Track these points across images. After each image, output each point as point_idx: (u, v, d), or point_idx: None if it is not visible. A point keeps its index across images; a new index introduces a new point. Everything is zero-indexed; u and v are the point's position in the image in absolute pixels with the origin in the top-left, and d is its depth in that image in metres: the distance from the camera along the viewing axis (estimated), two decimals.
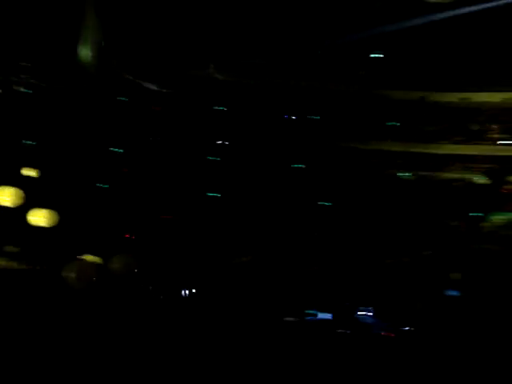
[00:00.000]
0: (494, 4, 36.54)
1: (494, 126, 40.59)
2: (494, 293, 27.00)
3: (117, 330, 17.17)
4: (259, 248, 30.56)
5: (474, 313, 24.16)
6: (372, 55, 40.26)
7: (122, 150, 33.15)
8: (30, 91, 33.53)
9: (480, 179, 38.20)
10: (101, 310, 18.92)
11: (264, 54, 38.93)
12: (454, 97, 42.06)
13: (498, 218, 35.72)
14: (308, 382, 16.13)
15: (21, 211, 25.62)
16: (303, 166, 37.34)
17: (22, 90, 33.60)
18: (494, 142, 39.68)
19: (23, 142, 31.45)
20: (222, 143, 36.67)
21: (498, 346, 19.29)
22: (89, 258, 25.03)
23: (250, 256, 29.79)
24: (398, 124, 40.67)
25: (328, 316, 26.84)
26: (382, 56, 40.09)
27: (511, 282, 28.30)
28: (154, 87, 37.03)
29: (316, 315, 27.28)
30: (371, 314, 27.56)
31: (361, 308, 27.84)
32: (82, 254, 25.03)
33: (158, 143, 34.79)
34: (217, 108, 37.86)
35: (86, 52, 35.03)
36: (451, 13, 36.51)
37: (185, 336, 18.64)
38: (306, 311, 27.38)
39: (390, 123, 40.82)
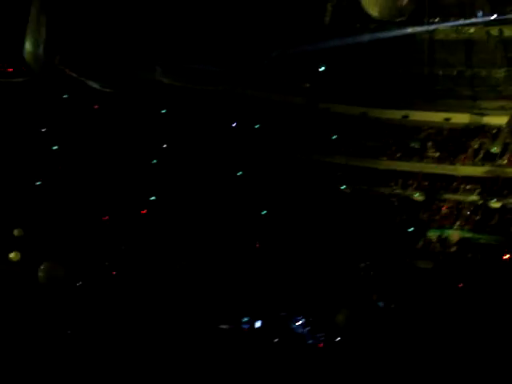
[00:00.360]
0: (440, 25, 37.45)
1: (434, 145, 41.51)
2: (425, 306, 27.46)
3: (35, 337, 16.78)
4: (194, 254, 30.31)
5: (403, 325, 24.54)
6: (318, 69, 40.72)
7: (56, 147, 32.43)
8: None
9: (418, 196, 38.91)
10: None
11: (212, 60, 38.88)
12: (395, 114, 42.96)
13: (434, 235, 36.44)
14: None
15: None
16: (242, 174, 37.41)
17: None
18: (433, 159, 40.53)
19: None
20: (162, 146, 36.32)
21: (425, 358, 19.59)
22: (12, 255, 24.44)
23: (184, 262, 29.51)
24: (339, 137, 41.18)
25: (259, 324, 26.82)
26: (326, 70, 40.58)
27: (442, 296, 28.89)
28: (96, 86, 36.44)
29: (251, 323, 27.26)
30: (303, 323, 27.67)
31: (294, 318, 27.90)
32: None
33: (95, 142, 34.18)
34: (159, 111, 37.56)
35: (29, 47, 34.24)
36: (397, 32, 37.22)
37: (116, 343, 18.34)
38: (242, 319, 27.32)
39: (333, 137, 41.29)
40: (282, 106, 41.60)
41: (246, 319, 27.42)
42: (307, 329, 27.63)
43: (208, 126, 38.25)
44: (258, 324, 26.79)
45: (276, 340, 25.04)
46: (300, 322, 27.98)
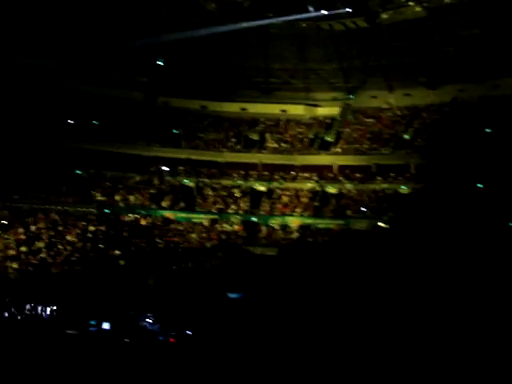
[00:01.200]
0: (274, 20, 38.24)
1: (272, 136, 42.70)
2: (279, 296, 28.14)
3: None
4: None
5: (257, 316, 24.96)
6: (155, 62, 40.30)
7: None
8: None
9: (259, 186, 39.83)
10: None
11: (46, 55, 37.19)
12: (234, 107, 43.72)
13: (276, 222, 37.42)
14: None
15: None
16: (81, 173, 36.40)
17: None
18: (271, 150, 41.68)
19: None
20: None
21: (280, 347, 20.07)
22: None
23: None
24: (180, 132, 41.12)
25: (107, 326, 26.10)
26: (164, 64, 40.30)
27: (289, 283, 29.75)
28: None
29: (99, 325, 26.45)
30: (153, 320, 27.33)
31: (143, 315, 27.48)
32: None
33: None
34: None
35: None
36: (233, 26, 37.64)
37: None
38: (89, 322, 26.44)
39: (174, 131, 41.15)
40: (120, 102, 40.79)
41: (93, 322, 26.58)
42: (157, 325, 27.34)
43: (45, 123, 36.55)
44: (106, 326, 26.07)
45: (126, 340, 24.54)
46: (149, 319, 27.62)
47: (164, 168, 38.73)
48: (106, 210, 35.48)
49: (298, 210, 38.07)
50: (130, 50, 38.69)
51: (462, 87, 39.88)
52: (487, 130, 37.80)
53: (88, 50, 38.36)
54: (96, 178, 37.76)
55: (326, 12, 35.36)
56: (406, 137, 39.93)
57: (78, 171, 37.42)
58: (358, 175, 39.14)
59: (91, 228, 32.67)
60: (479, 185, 35.20)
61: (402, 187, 37.89)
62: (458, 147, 37.58)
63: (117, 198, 36.96)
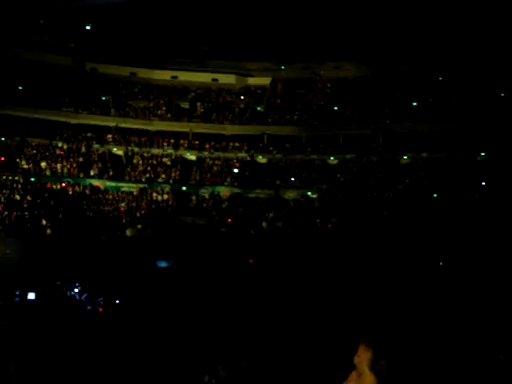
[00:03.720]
0: None
1: (203, 104, 42.49)
2: (207, 265, 28.26)
3: None
4: None
5: (185, 285, 25.08)
6: (84, 27, 39.23)
7: None
8: None
9: (190, 155, 39.73)
10: None
11: None
12: (164, 74, 43.15)
13: (207, 192, 37.50)
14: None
15: None
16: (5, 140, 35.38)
17: None
18: (202, 119, 41.50)
19: None
20: None
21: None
22: None
23: None
24: (109, 99, 40.35)
25: (33, 296, 25.69)
26: (92, 29, 39.30)
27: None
28: None
29: (24, 296, 26.02)
30: (80, 289, 27.09)
31: (70, 285, 27.19)
32: None
33: None
34: None
35: None
36: None
37: None
38: (14, 292, 25.97)
39: (103, 97, 40.36)
40: (47, 67, 39.60)
41: (17, 292, 26.12)
42: (85, 295, 27.14)
43: None
44: (31, 296, 25.68)
45: (53, 310, 24.27)
46: (76, 288, 27.36)
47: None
48: (32, 179, 34.65)
49: (228, 179, 38.25)
50: (58, 13, 37.55)
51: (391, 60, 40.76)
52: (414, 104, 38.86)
53: (14, 12, 36.98)
54: (21, 146, 36.73)
55: None
56: (335, 108, 40.56)
57: (1, 138, 36.31)
58: (287, 145, 39.55)
59: (17, 197, 31.89)
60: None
61: (331, 158, 38.62)
62: (387, 119, 38.53)
63: (43, 165, 36.12)
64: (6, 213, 29.78)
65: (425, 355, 1.43)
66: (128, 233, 22.48)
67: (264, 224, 30.12)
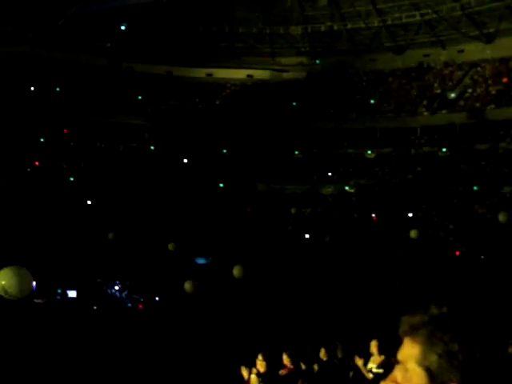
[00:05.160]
0: None
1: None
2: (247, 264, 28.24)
3: None
4: None
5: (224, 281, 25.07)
6: (119, 27, 39.56)
7: None
8: None
9: None
10: None
11: (5, 21, 36.33)
12: (199, 72, 43.19)
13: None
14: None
15: None
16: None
17: None
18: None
19: None
20: None
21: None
22: None
23: None
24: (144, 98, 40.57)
25: (74, 294, 26.07)
26: (126, 28, 39.60)
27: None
28: None
29: (65, 294, 26.42)
30: (120, 287, 27.42)
31: (111, 283, 27.53)
32: None
33: None
34: None
35: None
36: None
37: None
38: (56, 290, 26.39)
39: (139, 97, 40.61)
40: (83, 68, 40.03)
41: (59, 291, 26.53)
42: (125, 293, 27.43)
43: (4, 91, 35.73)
44: (72, 294, 26.03)
45: (95, 307, 24.58)
46: (117, 286, 27.68)
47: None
48: None
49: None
50: (91, 14, 38.00)
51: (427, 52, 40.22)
52: (452, 95, 38.22)
53: (50, 15, 37.52)
54: None
55: None
56: (372, 101, 40.12)
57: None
58: (324, 139, 39.23)
59: None
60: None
61: (368, 152, 38.22)
62: (421, 112, 38.00)
63: None
64: None
65: (474, 348, 1.36)
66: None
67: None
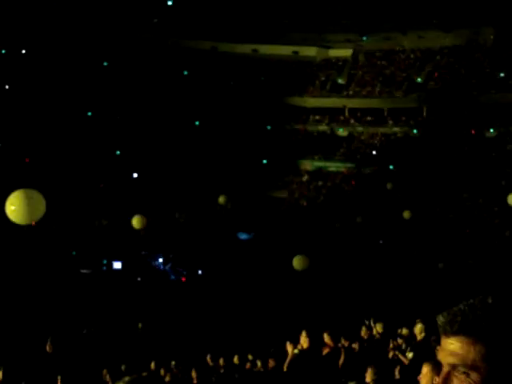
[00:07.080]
0: None
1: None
2: (288, 239, 28.35)
3: None
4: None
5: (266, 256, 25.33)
6: (165, 3, 39.69)
7: None
8: None
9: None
10: None
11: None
12: (244, 48, 43.06)
13: (288, 166, 37.48)
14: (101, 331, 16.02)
15: None
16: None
17: None
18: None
19: None
20: None
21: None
22: None
23: None
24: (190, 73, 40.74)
25: (119, 265, 26.68)
26: (174, 4, 39.73)
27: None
28: None
29: (110, 265, 27.07)
30: (163, 259, 27.90)
31: (153, 255, 28.05)
32: None
33: None
34: None
35: None
36: None
37: None
38: (102, 261, 27.06)
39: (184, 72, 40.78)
40: (130, 43, 40.44)
41: (105, 261, 27.20)
42: (169, 265, 27.94)
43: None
44: (117, 265, 26.66)
45: (139, 279, 25.17)
46: (161, 259, 28.19)
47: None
48: None
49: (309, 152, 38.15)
50: None
51: (476, 30, 39.24)
52: (501, 75, 37.37)
53: None
54: None
55: None
56: (419, 80, 39.53)
57: None
58: (369, 118, 38.97)
59: None
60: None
61: (414, 131, 37.80)
62: (471, 92, 37.27)
63: None
64: None
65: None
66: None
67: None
